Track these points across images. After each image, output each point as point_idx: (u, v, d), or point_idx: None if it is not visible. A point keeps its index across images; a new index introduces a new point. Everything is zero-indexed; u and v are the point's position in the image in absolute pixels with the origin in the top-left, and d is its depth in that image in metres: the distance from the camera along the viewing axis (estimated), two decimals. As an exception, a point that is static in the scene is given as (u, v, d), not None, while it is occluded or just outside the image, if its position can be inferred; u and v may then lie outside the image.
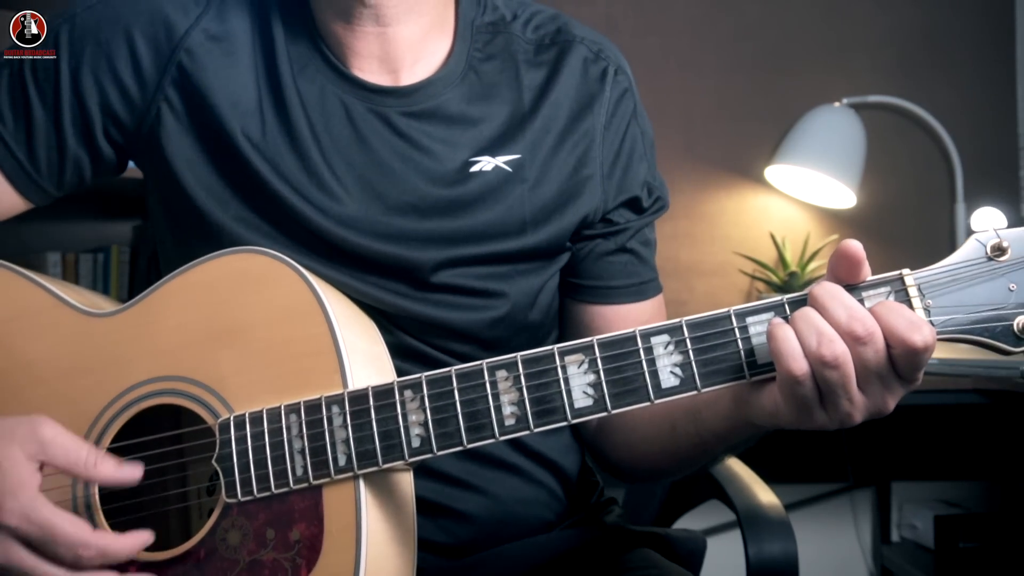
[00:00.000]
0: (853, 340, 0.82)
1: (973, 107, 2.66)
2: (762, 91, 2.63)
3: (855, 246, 0.84)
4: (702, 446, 1.03)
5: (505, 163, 1.10)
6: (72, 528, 0.88)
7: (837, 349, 0.81)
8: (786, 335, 0.83)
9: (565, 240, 1.13)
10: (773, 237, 2.58)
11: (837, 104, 2.55)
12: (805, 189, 2.56)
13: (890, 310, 0.82)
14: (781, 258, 2.54)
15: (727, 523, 2.39)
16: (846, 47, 2.65)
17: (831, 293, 0.84)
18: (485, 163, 1.09)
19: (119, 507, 0.97)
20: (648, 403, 0.87)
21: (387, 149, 1.08)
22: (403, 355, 1.07)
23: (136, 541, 0.91)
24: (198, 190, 1.06)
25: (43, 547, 0.89)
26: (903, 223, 2.63)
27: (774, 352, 0.83)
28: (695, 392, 0.87)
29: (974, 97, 2.67)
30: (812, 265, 2.51)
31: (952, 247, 2.69)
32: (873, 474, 2.64)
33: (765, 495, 1.30)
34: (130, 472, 0.92)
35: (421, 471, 1.02)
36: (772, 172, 2.57)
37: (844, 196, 2.52)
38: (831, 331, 0.82)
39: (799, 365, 0.82)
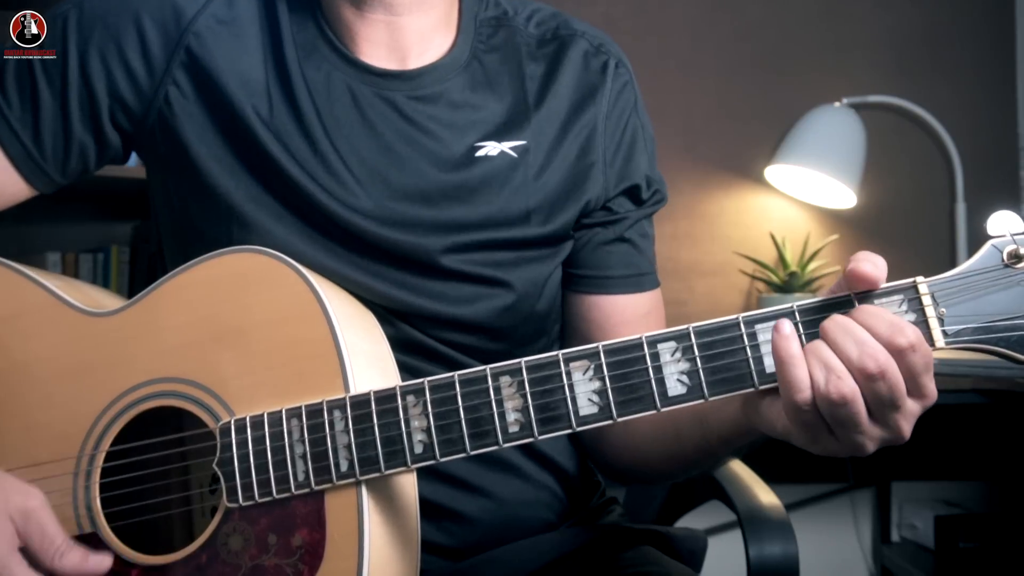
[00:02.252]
0: (865, 377, 0.80)
1: (973, 107, 2.66)
2: (762, 91, 2.63)
3: (869, 271, 0.82)
4: (707, 450, 1.02)
5: (511, 149, 1.10)
6: None
7: (844, 388, 0.80)
8: (793, 358, 0.81)
9: (570, 228, 1.14)
10: (773, 237, 2.58)
11: (837, 104, 2.55)
12: (805, 189, 2.56)
13: (870, 316, 0.81)
14: (781, 258, 2.54)
15: (727, 523, 2.39)
16: (846, 47, 2.65)
17: (843, 327, 0.81)
18: (491, 148, 1.10)
19: (121, 510, 0.97)
20: (654, 411, 0.86)
21: (393, 133, 1.08)
22: (408, 349, 1.07)
23: None
24: (212, 164, 1.07)
25: None
26: (903, 223, 2.63)
27: (779, 375, 0.82)
28: (702, 400, 0.86)
29: (974, 97, 2.67)
30: (812, 265, 2.50)
31: (952, 247, 2.69)
32: (873, 474, 2.64)
33: (765, 495, 1.30)
34: (96, 564, 0.93)
35: (424, 473, 1.01)
36: (772, 172, 2.57)
37: (844, 196, 2.51)
38: (840, 367, 0.80)
39: (803, 397, 0.81)
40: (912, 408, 0.82)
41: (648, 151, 1.19)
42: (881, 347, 0.80)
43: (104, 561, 0.93)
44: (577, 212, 1.13)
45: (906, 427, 0.83)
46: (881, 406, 0.81)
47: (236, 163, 1.07)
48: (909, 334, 0.80)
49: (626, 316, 1.17)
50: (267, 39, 1.10)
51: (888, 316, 0.81)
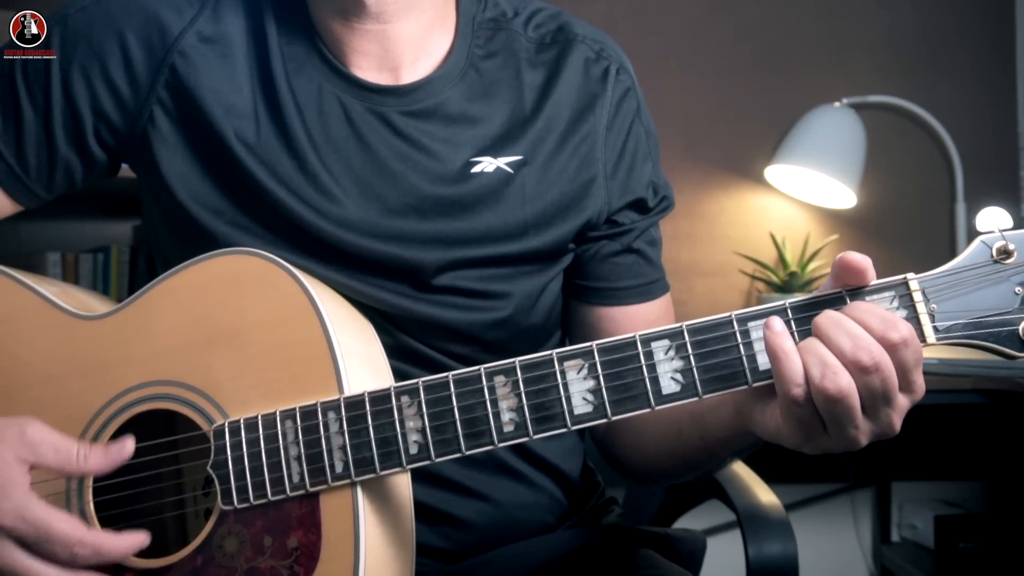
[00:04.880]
0: (859, 370, 0.80)
1: (973, 107, 2.66)
2: (762, 91, 2.62)
3: (858, 260, 0.83)
4: (707, 451, 1.02)
5: (507, 164, 1.08)
6: (67, 526, 0.88)
7: (841, 382, 0.80)
8: (788, 354, 0.82)
9: (567, 243, 1.12)
10: (773, 237, 2.58)
11: (837, 104, 2.54)
12: (805, 189, 2.55)
13: (863, 312, 0.82)
14: (781, 258, 2.54)
15: (727, 523, 2.38)
16: (846, 47, 2.65)
17: (835, 322, 0.82)
18: (487, 164, 1.08)
19: (115, 514, 0.97)
20: (648, 410, 0.86)
21: (386, 149, 1.06)
22: (403, 356, 1.06)
23: (132, 541, 0.90)
24: (189, 201, 1.05)
25: (38, 546, 0.88)
26: (903, 223, 2.63)
27: (774, 371, 0.83)
28: (696, 399, 0.86)
29: (974, 97, 2.66)
30: (812, 265, 2.50)
31: (952, 247, 2.69)
32: (873, 474, 2.63)
33: (765, 495, 1.30)
34: (118, 452, 0.91)
35: (421, 477, 1.01)
36: (772, 172, 2.57)
37: (844, 196, 2.51)
38: (835, 362, 0.80)
39: (798, 391, 0.81)
40: (902, 402, 0.83)
41: (652, 157, 1.17)
42: (874, 341, 0.81)
43: (125, 447, 0.91)
44: (577, 227, 1.12)
45: (897, 421, 0.83)
46: (874, 400, 0.81)
47: (218, 195, 1.06)
48: (902, 329, 0.81)
49: (636, 324, 1.15)
50: (254, 55, 1.08)
51: (880, 311, 0.82)
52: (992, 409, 2.41)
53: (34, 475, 0.91)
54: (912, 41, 2.66)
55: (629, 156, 1.14)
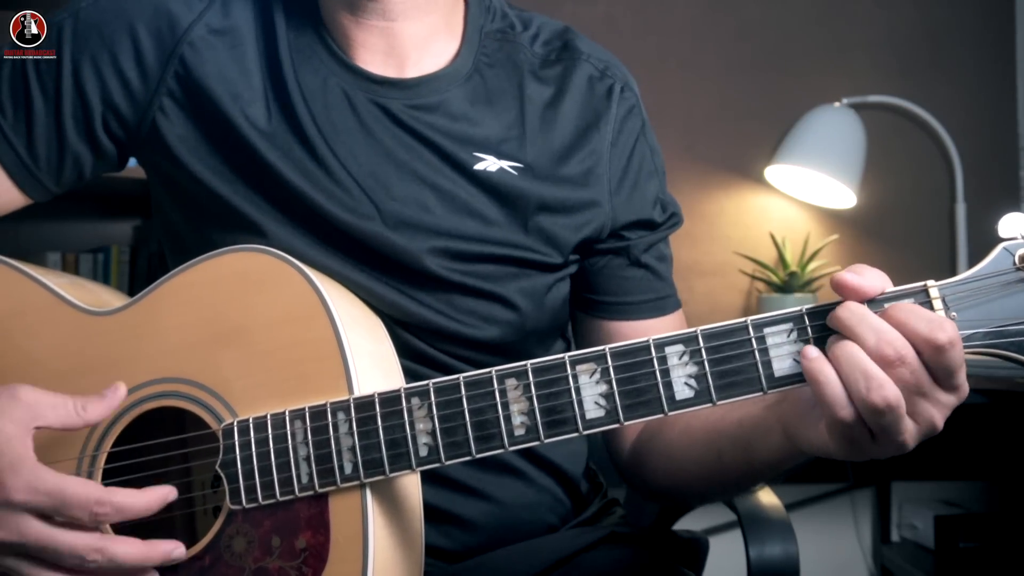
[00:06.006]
0: (885, 364, 0.79)
1: (973, 107, 2.66)
2: (762, 91, 2.63)
3: (849, 280, 0.82)
4: (753, 474, 1.01)
5: (510, 167, 1.09)
6: (82, 488, 0.87)
7: (889, 394, 0.79)
8: (829, 380, 0.80)
9: (568, 253, 1.13)
10: (773, 237, 2.58)
11: (837, 104, 2.55)
12: (805, 189, 2.56)
13: (908, 313, 0.80)
14: (781, 258, 2.54)
15: (728, 523, 2.39)
16: (846, 47, 2.65)
17: (858, 316, 0.80)
18: (490, 163, 1.09)
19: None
20: (662, 415, 0.85)
21: (391, 139, 1.08)
22: (410, 356, 1.06)
23: (155, 496, 0.89)
24: (205, 173, 1.07)
25: (57, 514, 0.87)
26: (903, 223, 2.63)
27: (819, 397, 0.81)
28: (710, 405, 0.85)
29: (974, 97, 2.66)
30: (812, 265, 2.50)
31: (952, 247, 2.68)
32: (873, 474, 2.63)
33: (765, 495, 1.30)
34: (113, 395, 0.92)
35: (425, 477, 1.01)
36: (772, 172, 2.57)
37: (844, 196, 2.51)
38: (880, 373, 0.79)
39: (847, 414, 0.80)
40: (947, 400, 0.81)
41: (658, 174, 1.18)
42: (899, 334, 0.79)
43: (120, 390, 0.92)
44: (579, 240, 1.12)
45: (939, 418, 0.82)
46: (908, 393, 0.80)
47: (232, 174, 1.07)
48: (948, 329, 0.79)
49: None
50: (263, 47, 1.09)
51: (925, 313, 0.80)
52: (992, 409, 2.41)
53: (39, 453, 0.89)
54: (912, 41, 2.66)
55: (634, 173, 1.15)
